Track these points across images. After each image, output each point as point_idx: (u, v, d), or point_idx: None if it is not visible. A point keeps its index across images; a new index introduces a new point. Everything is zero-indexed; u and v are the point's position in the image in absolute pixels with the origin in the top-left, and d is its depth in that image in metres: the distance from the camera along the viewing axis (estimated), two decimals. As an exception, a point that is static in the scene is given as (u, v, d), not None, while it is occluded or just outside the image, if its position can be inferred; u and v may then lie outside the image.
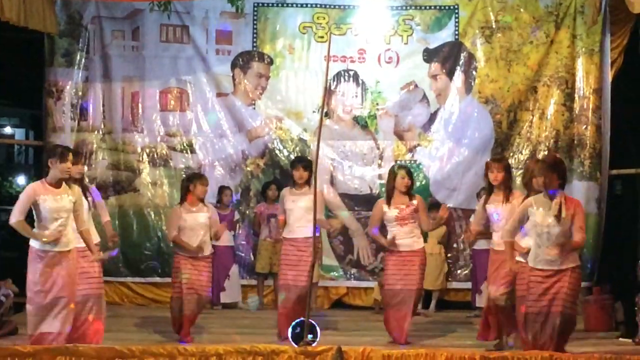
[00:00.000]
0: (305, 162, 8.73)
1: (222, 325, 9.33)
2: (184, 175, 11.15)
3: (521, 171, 9.91)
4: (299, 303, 8.29)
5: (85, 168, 9.77)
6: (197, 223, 8.36)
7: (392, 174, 8.49)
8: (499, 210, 7.84)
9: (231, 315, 10.18)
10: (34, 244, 7.16)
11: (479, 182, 10.95)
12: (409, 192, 8.40)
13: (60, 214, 7.12)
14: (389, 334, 8.38)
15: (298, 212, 8.53)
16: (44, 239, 7.06)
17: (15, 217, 7.10)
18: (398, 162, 10.84)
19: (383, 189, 11.17)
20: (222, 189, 10.83)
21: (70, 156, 7.20)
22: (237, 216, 11.10)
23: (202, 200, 8.51)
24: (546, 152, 10.78)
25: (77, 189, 7.33)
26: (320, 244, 8.78)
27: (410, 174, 8.46)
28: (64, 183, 7.22)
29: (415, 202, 8.37)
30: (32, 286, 7.16)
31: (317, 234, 8.53)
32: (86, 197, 7.67)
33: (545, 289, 6.86)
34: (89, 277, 7.56)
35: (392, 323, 8.33)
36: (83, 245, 7.46)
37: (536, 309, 6.90)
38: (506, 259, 7.37)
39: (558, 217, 6.79)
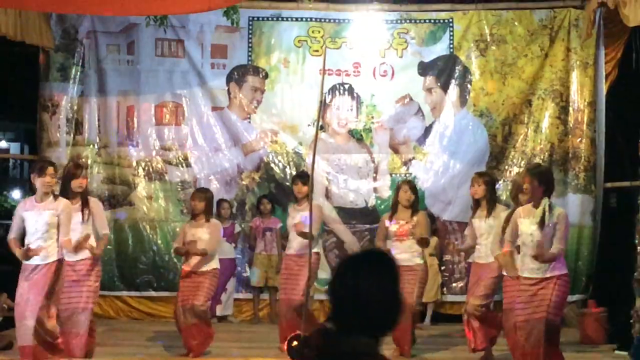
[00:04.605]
0: (304, 177, 8.69)
1: (217, 338, 9.30)
2: (179, 189, 11.20)
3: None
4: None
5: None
6: (195, 238, 8.32)
7: (397, 188, 8.60)
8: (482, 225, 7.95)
9: (226, 329, 10.14)
10: None
11: (474, 195, 11.02)
12: (413, 208, 8.41)
13: (39, 228, 7.06)
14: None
15: None
16: (23, 259, 7.05)
17: (10, 234, 7.18)
18: (403, 177, 10.85)
19: (378, 202, 11.25)
20: (220, 202, 10.72)
21: (51, 170, 7.13)
22: (237, 228, 11.08)
23: (206, 215, 8.46)
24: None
25: (64, 202, 7.21)
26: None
27: (413, 189, 8.49)
28: (51, 197, 7.16)
29: (416, 218, 8.37)
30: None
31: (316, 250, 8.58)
32: (82, 211, 7.59)
33: (530, 296, 6.81)
34: (79, 290, 7.50)
35: (396, 335, 8.23)
36: (75, 259, 7.43)
37: (523, 317, 6.86)
38: (488, 272, 7.64)
39: (541, 224, 6.78)
